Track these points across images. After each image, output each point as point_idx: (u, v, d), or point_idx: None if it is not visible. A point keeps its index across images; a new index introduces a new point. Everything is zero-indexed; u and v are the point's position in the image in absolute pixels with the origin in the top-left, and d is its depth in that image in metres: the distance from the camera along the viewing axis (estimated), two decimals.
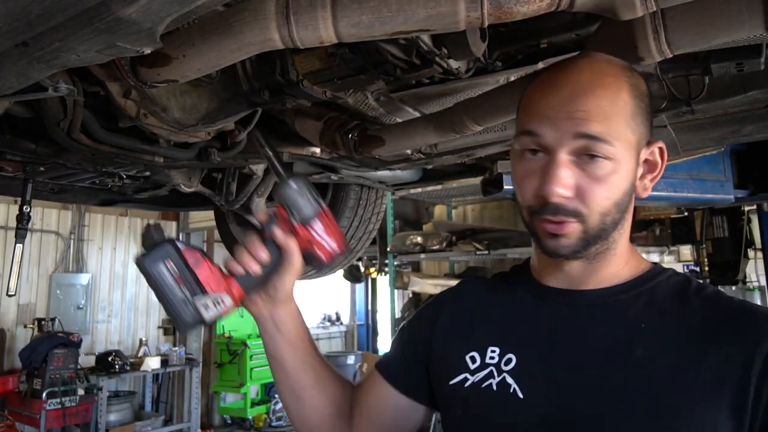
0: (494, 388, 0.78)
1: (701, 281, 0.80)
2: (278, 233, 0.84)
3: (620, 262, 0.80)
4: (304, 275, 2.64)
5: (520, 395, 0.76)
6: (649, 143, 0.77)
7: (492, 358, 0.81)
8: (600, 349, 0.75)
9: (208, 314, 0.79)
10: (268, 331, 0.92)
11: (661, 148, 0.78)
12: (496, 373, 0.79)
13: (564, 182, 0.71)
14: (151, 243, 0.79)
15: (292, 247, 0.85)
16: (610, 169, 0.72)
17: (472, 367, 0.82)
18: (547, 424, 0.73)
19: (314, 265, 0.89)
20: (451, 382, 0.84)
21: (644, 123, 0.75)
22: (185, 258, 0.79)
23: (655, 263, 0.83)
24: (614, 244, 0.78)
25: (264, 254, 0.84)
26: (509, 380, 0.78)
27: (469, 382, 0.81)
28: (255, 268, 0.83)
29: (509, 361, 0.79)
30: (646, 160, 0.77)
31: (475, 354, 0.83)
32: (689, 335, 0.72)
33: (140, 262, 0.79)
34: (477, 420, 0.80)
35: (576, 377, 0.74)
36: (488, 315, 0.88)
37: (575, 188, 0.72)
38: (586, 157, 0.71)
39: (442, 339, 0.89)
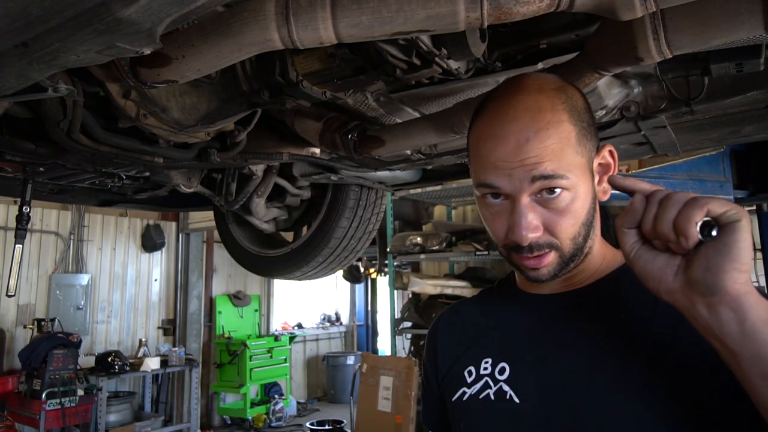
0: (492, 397, 0.82)
1: None
2: None
3: (596, 261, 0.84)
4: (303, 275, 2.62)
5: (517, 400, 0.79)
6: (598, 150, 0.81)
7: (486, 369, 0.85)
8: (582, 346, 0.78)
9: None
10: None
11: (610, 151, 0.82)
12: (492, 383, 0.83)
13: (532, 226, 0.75)
14: None
15: None
16: (570, 198, 0.75)
17: (469, 380, 0.86)
18: (543, 423, 0.76)
19: None
20: (453, 399, 0.87)
21: (590, 139, 0.78)
22: None
23: None
24: (589, 250, 0.82)
25: None
26: (505, 388, 0.81)
27: (467, 395, 0.85)
28: None
29: (503, 370, 0.83)
30: (599, 164, 0.81)
31: (471, 368, 0.87)
32: (665, 317, 0.74)
33: None
34: (480, 428, 0.83)
35: (565, 375, 0.77)
36: (480, 330, 0.92)
37: (543, 225, 0.76)
38: (545, 193, 0.75)
39: (443, 365, 0.94)
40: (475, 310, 0.97)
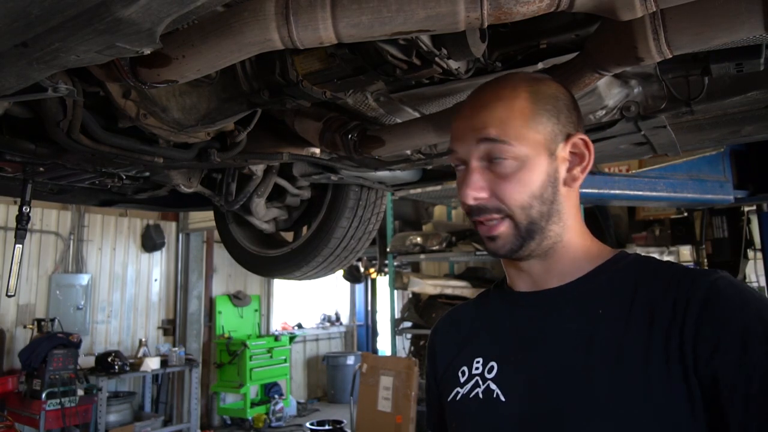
0: (480, 396, 0.84)
1: (662, 260, 0.84)
2: None
3: (577, 255, 0.85)
4: (303, 275, 2.62)
5: (503, 398, 0.81)
6: (569, 137, 0.83)
7: (477, 368, 0.87)
8: (563, 342, 0.79)
9: None
10: None
11: (583, 139, 0.84)
12: (481, 382, 0.85)
13: (475, 185, 0.81)
14: None
15: None
16: (516, 167, 0.80)
17: (462, 380, 0.88)
18: (525, 421, 0.78)
19: None
20: (448, 399, 0.90)
21: (555, 123, 0.82)
22: None
23: (621, 250, 0.87)
24: (559, 237, 0.83)
25: None
26: (492, 387, 0.83)
27: (459, 395, 0.87)
28: None
29: (492, 369, 0.85)
30: (572, 153, 0.84)
31: (465, 368, 0.89)
32: (641, 311, 0.75)
33: None
34: (468, 427, 0.85)
35: (544, 373, 0.78)
36: (474, 330, 0.94)
37: (489, 189, 0.81)
38: (494, 159, 0.81)
39: (440, 367, 0.96)
40: (471, 311, 0.99)
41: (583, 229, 0.87)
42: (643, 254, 0.86)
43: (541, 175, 0.80)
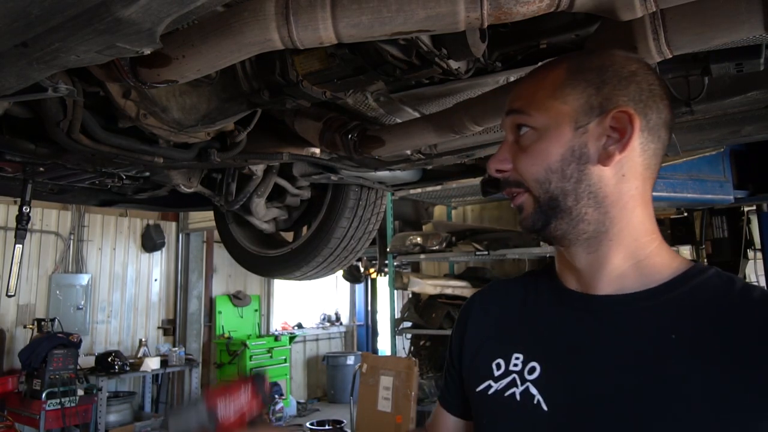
0: (518, 398, 0.77)
1: (747, 282, 0.74)
2: None
3: (639, 259, 0.75)
4: (303, 275, 2.62)
5: (545, 408, 0.74)
6: (611, 110, 0.72)
7: (516, 365, 0.79)
8: (625, 364, 0.71)
9: None
10: None
11: (625, 111, 0.72)
12: (519, 382, 0.78)
13: (498, 157, 0.80)
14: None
15: None
16: (534, 138, 0.76)
17: (497, 374, 0.81)
18: None
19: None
20: (477, 389, 0.83)
21: (592, 92, 0.73)
22: None
23: (695, 261, 0.77)
24: (601, 225, 0.74)
25: None
26: (533, 390, 0.76)
27: (492, 390, 0.80)
28: None
29: (533, 369, 0.77)
30: (613, 128, 0.73)
31: (501, 360, 0.81)
32: (729, 347, 0.66)
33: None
34: (501, 427, 0.79)
35: (599, 393, 0.71)
36: (514, 320, 0.86)
37: (512, 162, 0.79)
38: (520, 132, 0.78)
39: (470, 346, 0.89)
40: (514, 295, 0.89)
41: (649, 228, 0.76)
42: (721, 271, 0.75)
43: (559, 148, 0.73)
